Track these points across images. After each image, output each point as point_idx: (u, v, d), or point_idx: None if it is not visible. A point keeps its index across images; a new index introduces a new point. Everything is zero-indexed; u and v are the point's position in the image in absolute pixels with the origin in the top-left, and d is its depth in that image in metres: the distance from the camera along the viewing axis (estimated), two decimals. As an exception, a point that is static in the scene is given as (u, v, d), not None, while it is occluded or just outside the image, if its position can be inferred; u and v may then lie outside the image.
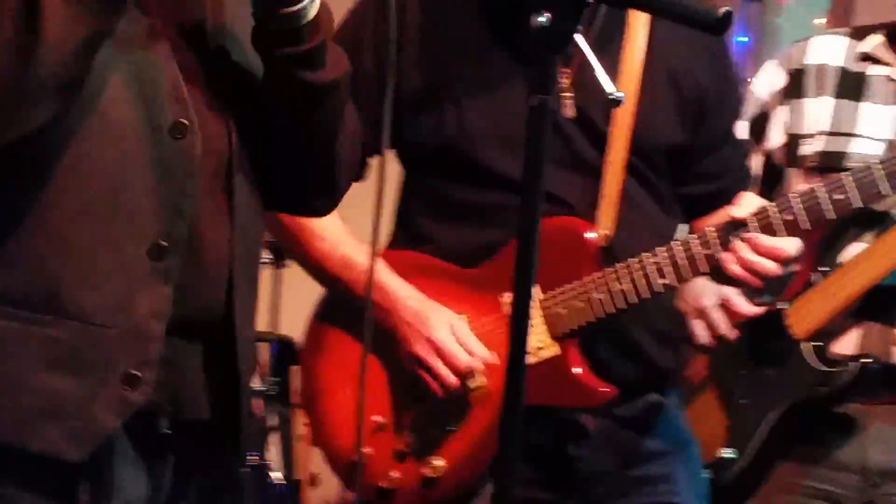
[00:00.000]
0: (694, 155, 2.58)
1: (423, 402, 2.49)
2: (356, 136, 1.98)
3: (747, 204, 2.40)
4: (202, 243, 1.76)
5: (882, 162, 2.31)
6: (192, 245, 1.75)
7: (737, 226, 2.38)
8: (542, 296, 2.43)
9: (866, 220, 2.79)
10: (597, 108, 2.47)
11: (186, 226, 1.74)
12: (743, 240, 2.35)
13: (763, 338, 2.83)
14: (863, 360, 2.75)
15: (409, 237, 2.58)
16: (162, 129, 1.72)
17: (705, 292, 2.53)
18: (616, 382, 2.45)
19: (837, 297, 2.77)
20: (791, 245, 2.36)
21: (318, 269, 2.55)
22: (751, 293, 2.50)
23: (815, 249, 2.72)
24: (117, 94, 1.70)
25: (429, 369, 2.45)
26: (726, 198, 2.57)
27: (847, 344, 2.80)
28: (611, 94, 2.35)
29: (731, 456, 2.84)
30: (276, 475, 4.40)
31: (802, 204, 2.34)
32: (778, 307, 2.82)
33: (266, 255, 4.37)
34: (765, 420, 2.83)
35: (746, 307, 2.53)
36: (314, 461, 4.59)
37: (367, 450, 2.47)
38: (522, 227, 1.76)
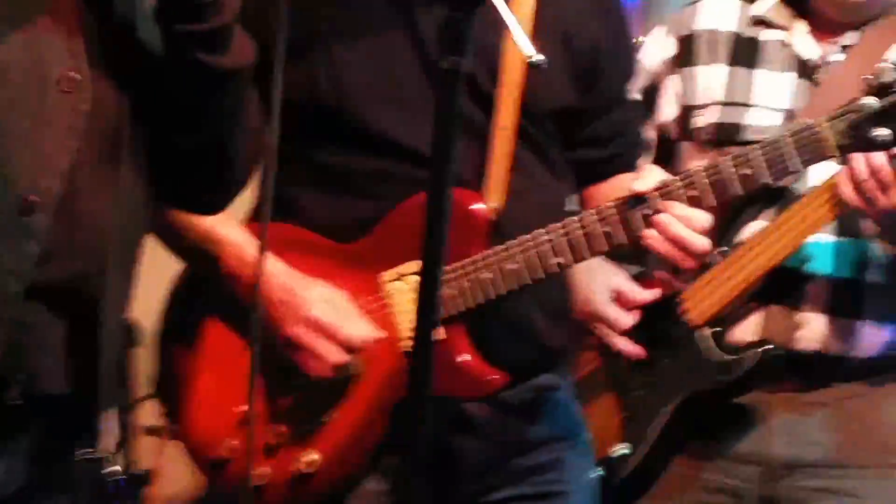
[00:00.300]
0: (585, 117, 2.46)
1: (296, 392, 2.32)
2: (256, 135, 1.89)
3: (649, 177, 2.27)
4: (79, 210, 1.72)
5: (792, 135, 2.16)
6: (67, 208, 1.70)
7: (637, 201, 2.23)
8: None
9: (766, 197, 2.67)
10: (483, 68, 2.31)
11: (60, 184, 1.69)
12: (651, 208, 2.22)
13: (657, 325, 2.68)
14: (764, 347, 2.62)
15: (275, 207, 2.35)
16: (49, 80, 1.68)
17: (595, 290, 2.44)
18: (505, 365, 2.32)
19: (737, 279, 2.65)
20: (705, 216, 2.23)
21: (177, 242, 2.37)
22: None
23: (713, 229, 2.55)
24: (9, 36, 1.66)
25: (309, 350, 2.27)
26: (619, 164, 2.49)
27: (747, 329, 2.69)
28: (530, 56, 2.18)
29: (625, 451, 2.72)
30: (114, 468, 4.13)
31: (707, 178, 2.21)
32: (672, 291, 2.68)
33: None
34: (660, 413, 2.71)
35: (640, 294, 2.44)
36: (157, 454, 4.40)
37: (232, 443, 2.32)
38: (432, 202, 1.66)
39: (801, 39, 2.75)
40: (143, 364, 4.86)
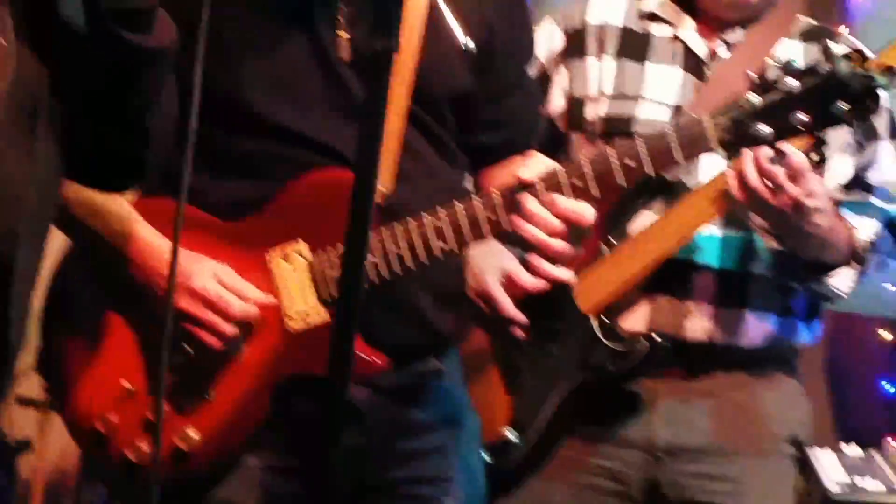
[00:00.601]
0: (479, 102, 2.42)
1: (177, 368, 2.27)
2: (172, 119, 1.86)
3: (535, 165, 2.26)
4: None
5: (676, 128, 2.19)
6: None
7: (524, 188, 2.21)
8: (310, 256, 2.25)
9: (656, 188, 2.71)
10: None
11: None
12: (539, 200, 2.19)
13: (547, 312, 2.69)
14: (652, 338, 2.67)
15: (165, 183, 2.29)
16: None
17: (486, 270, 2.39)
18: (391, 348, 2.29)
19: (627, 270, 2.70)
20: (588, 209, 2.20)
21: (64, 216, 2.25)
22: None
23: (603, 219, 2.58)
24: None
25: (197, 322, 2.24)
26: (513, 149, 2.46)
27: (636, 319, 2.73)
28: (464, 44, 2.18)
29: (513, 437, 2.73)
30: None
31: (592, 169, 2.19)
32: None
33: None
34: (549, 399, 2.73)
35: (529, 280, 2.38)
36: (29, 425, 4.31)
37: (111, 417, 2.28)
38: (358, 185, 1.64)
39: (689, 35, 2.80)
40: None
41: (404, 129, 2.30)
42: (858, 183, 2.80)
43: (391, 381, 2.36)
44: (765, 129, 2.09)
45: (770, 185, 2.46)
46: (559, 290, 2.68)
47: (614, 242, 2.71)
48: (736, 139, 2.13)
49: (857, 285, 2.77)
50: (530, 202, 2.17)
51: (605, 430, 2.76)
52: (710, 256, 2.72)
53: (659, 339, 2.67)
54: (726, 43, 2.79)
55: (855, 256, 2.70)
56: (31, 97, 1.70)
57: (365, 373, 2.26)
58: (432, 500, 2.41)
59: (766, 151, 2.45)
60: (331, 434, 1.68)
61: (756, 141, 2.11)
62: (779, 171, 2.45)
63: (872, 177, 2.80)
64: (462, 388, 2.54)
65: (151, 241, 2.26)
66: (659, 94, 2.75)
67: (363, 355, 2.24)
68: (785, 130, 2.08)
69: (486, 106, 2.43)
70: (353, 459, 2.28)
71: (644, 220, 2.70)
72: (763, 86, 2.10)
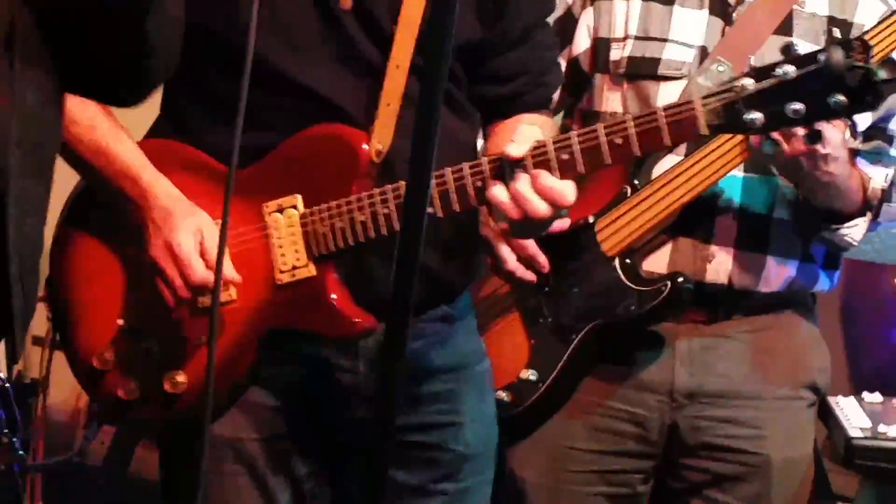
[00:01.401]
0: (488, 52, 2.37)
1: (171, 311, 2.28)
2: (178, 23, 1.77)
3: (525, 138, 2.19)
4: None
5: (666, 109, 2.13)
6: None
7: (511, 163, 2.14)
8: (303, 210, 2.23)
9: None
10: (383, 6, 2.25)
11: None
12: (523, 173, 2.13)
13: (570, 254, 2.69)
14: (677, 281, 2.65)
15: (175, 127, 2.35)
16: None
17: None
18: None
19: (651, 212, 2.68)
20: (570, 190, 2.13)
21: (71, 154, 2.28)
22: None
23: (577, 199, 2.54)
24: None
25: (163, 275, 2.24)
26: (521, 104, 2.42)
27: (659, 261, 2.72)
28: None
29: (533, 378, 2.73)
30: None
31: (580, 144, 2.12)
32: (588, 221, 2.70)
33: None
34: (569, 341, 2.72)
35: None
36: (44, 364, 4.31)
37: (107, 355, 2.31)
38: (417, 132, 1.58)
39: None
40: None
41: (409, 84, 2.24)
42: (876, 133, 2.78)
43: None
44: (757, 116, 2.01)
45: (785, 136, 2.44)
46: (583, 232, 2.69)
47: (638, 185, 2.69)
48: (725, 125, 2.07)
49: (870, 234, 2.76)
50: (518, 182, 2.11)
51: (624, 373, 2.76)
52: (732, 198, 2.71)
53: (681, 280, 2.65)
54: None
55: (868, 206, 2.69)
56: (4, 23, 1.60)
57: (349, 331, 2.26)
58: (439, 446, 2.41)
59: None
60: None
61: (745, 128, 2.04)
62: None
63: (893, 126, 2.78)
64: (473, 333, 2.52)
65: (150, 184, 2.25)
66: (685, 36, 2.71)
67: (348, 314, 2.24)
68: (777, 119, 2.01)
69: (493, 57, 2.38)
70: (362, 400, 2.33)
71: (667, 162, 2.68)
72: (760, 71, 2.03)
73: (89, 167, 2.28)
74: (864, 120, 2.75)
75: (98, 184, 2.30)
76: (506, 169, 2.13)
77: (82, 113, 2.26)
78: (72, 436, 4.86)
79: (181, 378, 2.28)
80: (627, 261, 2.70)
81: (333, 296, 2.23)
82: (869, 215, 2.71)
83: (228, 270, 2.23)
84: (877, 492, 2.90)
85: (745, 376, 2.75)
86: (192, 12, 2.12)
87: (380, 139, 2.23)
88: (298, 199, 2.23)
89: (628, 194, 2.69)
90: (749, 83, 2.02)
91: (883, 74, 1.98)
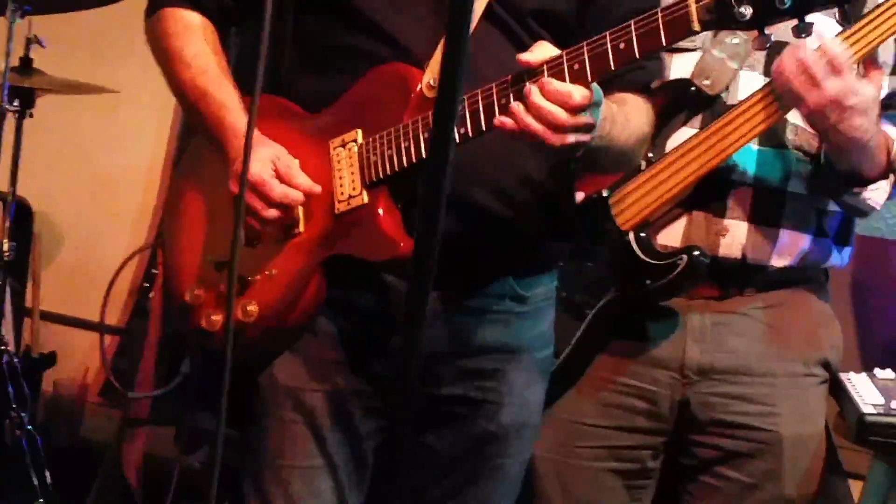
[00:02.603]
0: (583, 27, 2.36)
1: (249, 246, 2.39)
2: None
3: (541, 51, 2.19)
4: None
5: (663, 10, 2.11)
6: None
7: (530, 74, 2.17)
8: (361, 141, 2.31)
9: (694, 104, 2.69)
10: None
11: None
12: (533, 84, 2.15)
13: (584, 229, 2.67)
14: (692, 254, 2.63)
15: (275, 84, 2.48)
16: None
17: None
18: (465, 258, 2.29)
19: (665, 186, 2.68)
20: (578, 92, 2.15)
21: (180, 95, 2.49)
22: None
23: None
24: None
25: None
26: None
27: (672, 235, 2.71)
28: None
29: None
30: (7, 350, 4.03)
31: (588, 52, 2.14)
32: (602, 195, 2.67)
33: (13, 104, 3.98)
34: (583, 316, 2.71)
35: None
36: (53, 339, 4.34)
37: (198, 290, 2.46)
38: (440, 99, 1.59)
39: None
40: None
41: (480, 28, 2.29)
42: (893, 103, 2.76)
43: (467, 301, 2.40)
44: (747, 9, 2.02)
45: (805, 75, 2.43)
46: (598, 205, 2.67)
47: (653, 158, 2.67)
48: (715, 20, 2.06)
49: (881, 211, 2.74)
50: (533, 94, 2.13)
51: (636, 349, 2.75)
52: (746, 171, 2.69)
53: (697, 253, 2.63)
54: None
55: (893, 168, 2.66)
56: None
57: (394, 254, 2.28)
58: (473, 420, 2.44)
59: (804, 46, 2.42)
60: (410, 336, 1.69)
61: (735, 22, 2.04)
62: (819, 65, 2.41)
63: None
64: (544, 320, 2.52)
65: (233, 124, 2.37)
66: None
67: (391, 233, 2.28)
68: (766, 10, 2.01)
69: (580, 36, 2.29)
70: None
71: (682, 135, 2.67)
72: None
73: (193, 108, 2.43)
74: (883, 90, 2.73)
75: (197, 124, 2.46)
76: (525, 80, 2.16)
77: (196, 59, 2.42)
78: (81, 412, 4.87)
79: (252, 307, 2.38)
80: (642, 234, 2.69)
81: (381, 220, 2.29)
82: (892, 177, 2.68)
83: (306, 181, 2.32)
84: (889, 468, 2.88)
85: (756, 353, 2.74)
86: None
87: (434, 73, 2.27)
88: (359, 133, 2.32)
89: (643, 167, 2.67)
90: None
91: None
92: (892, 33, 2.54)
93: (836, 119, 2.48)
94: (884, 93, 2.73)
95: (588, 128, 2.17)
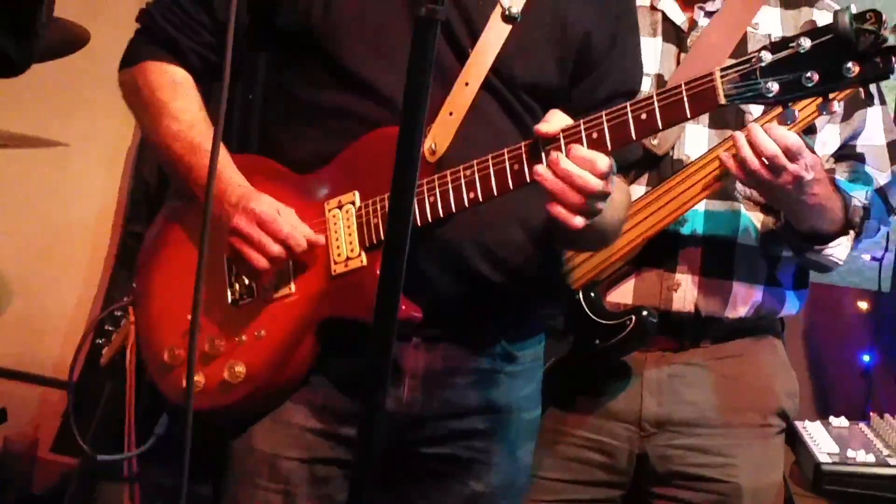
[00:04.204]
0: (569, 104, 2.37)
1: (233, 305, 2.40)
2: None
3: (556, 121, 2.22)
4: None
5: (687, 84, 2.14)
6: None
7: (546, 142, 2.20)
8: (359, 203, 2.31)
9: (643, 163, 2.70)
10: (463, 21, 2.33)
11: None
12: (557, 150, 2.17)
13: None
14: (641, 314, 2.66)
15: (263, 147, 2.49)
16: None
17: None
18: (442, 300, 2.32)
19: (615, 245, 2.67)
20: (604, 161, 2.17)
21: (164, 148, 2.43)
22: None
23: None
24: None
25: (248, 239, 2.30)
26: None
27: (624, 292, 2.73)
28: (507, 8, 2.14)
29: None
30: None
31: (608, 122, 2.16)
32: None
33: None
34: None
35: None
36: (2, 395, 4.30)
37: (177, 350, 2.43)
38: (400, 151, 1.69)
39: (668, 5, 2.78)
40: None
41: (477, 98, 2.31)
42: (848, 152, 2.80)
43: (461, 362, 2.40)
44: (773, 85, 2.05)
45: (770, 165, 2.46)
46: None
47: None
48: (742, 94, 2.09)
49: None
50: (553, 153, 2.16)
51: (592, 402, 2.76)
52: (695, 228, 2.72)
53: (646, 313, 2.65)
54: (705, 11, 2.77)
55: (850, 224, 2.70)
56: None
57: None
58: (461, 480, 2.43)
59: (758, 132, 2.45)
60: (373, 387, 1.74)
61: (762, 97, 2.07)
62: (777, 151, 2.45)
63: (860, 144, 2.80)
64: (533, 381, 2.52)
65: (229, 177, 2.35)
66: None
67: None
68: (792, 88, 2.04)
69: (578, 110, 2.31)
70: (410, 423, 2.38)
71: (633, 193, 2.68)
72: (777, 44, 2.07)
73: (180, 161, 2.38)
74: (833, 139, 2.79)
75: (183, 179, 2.40)
76: (541, 148, 2.17)
77: (184, 113, 2.40)
78: (32, 467, 4.81)
79: (239, 368, 2.36)
80: (591, 294, 2.70)
81: None
82: (852, 233, 2.72)
83: (307, 229, 2.31)
84: (845, 517, 2.90)
85: (713, 404, 2.76)
86: (284, 21, 2.37)
87: (434, 139, 2.29)
88: (356, 195, 2.32)
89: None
90: (766, 55, 2.05)
91: (893, 40, 2.00)
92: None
93: (798, 194, 2.52)
94: (837, 143, 2.77)
95: (605, 196, 2.18)
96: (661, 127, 2.13)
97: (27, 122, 4.31)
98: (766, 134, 2.46)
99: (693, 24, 2.77)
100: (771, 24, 2.77)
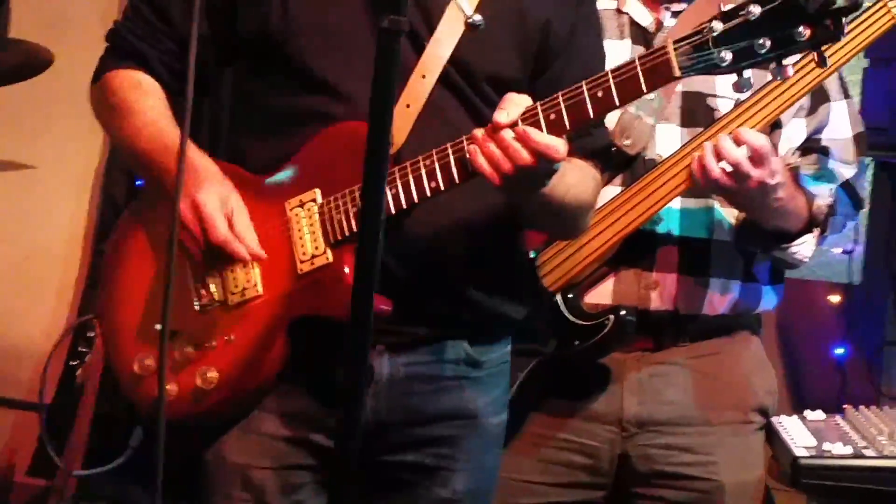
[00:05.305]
0: (536, 95, 2.32)
1: (202, 312, 2.39)
2: None
3: (514, 105, 2.19)
4: None
5: (641, 58, 2.14)
6: None
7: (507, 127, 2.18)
8: (321, 201, 2.31)
9: (618, 163, 2.71)
10: (421, 16, 2.32)
11: None
12: (516, 135, 2.15)
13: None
14: (618, 312, 2.68)
15: (230, 157, 2.46)
16: None
17: None
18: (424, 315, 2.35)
19: (591, 245, 2.71)
20: (562, 145, 2.15)
21: (129, 144, 2.42)
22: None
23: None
24: None
25: (188, 231, 2.31)
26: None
27: (601, 293, 2.74)
28: (469, 17, 2.15)
29: None
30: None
31: (564, 102, 2.15)
32: (529, 256, 2.69)
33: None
34: (515, 378, 2.71)
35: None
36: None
37: (147, 360, 2.41)
38: (369, 159, 1.73)
39: (634, 7, 2.80)
40: None
41: (435, 93, 2.31)
42: (813, 145, 2.83)
43: (422, 366, 2.40)
44: (726, 55, 2.05)
45: (734, 173, 2.49)
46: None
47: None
48: (696, 65, 2.09)
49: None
50: (506, 134, 2.14)
51: (572, 404, 2.77)
52: (671, 227, 2.74)
53: (623, 313, 2.67)
54: (672, 12, 2.79)
55: (815, 221, 2.73)
56: None
57: None
58: (426, 486, 2.42)
59: (725, 142, 2.49)
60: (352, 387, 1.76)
61: (716, 67, 2.07)
62: (741, 159, 2.48)
63: (826, 137, 2.83)
64: (498, 387, 2.50)
65: (193, 157, 2.31)
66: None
67: None
68: (745, 56, 2.04)
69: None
70: (373, 432, 2.33)
71: (606, 194, 2.69)
72: (727, 13, 2.06)
73: (144, 153, 2.37)
74: (798, 133, 2.81)
75: (150, 172, 2.39)
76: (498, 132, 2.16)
77: (152, 110, 2.39)
78: (7, 492, 4.79)
79: (212, 374, 2.35)
80: (570, 295, 2.72)
81: (348, 278, 2.27)
82: (816, 231, 2.75)
83: (250, 235, 2.31)
84: (823, 510, 2.92)
85: (693, 403, 2.77)
86: (243, 26, 2.37)
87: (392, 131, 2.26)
88: (317, 193, 2.31)
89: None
90: (717, 25, 2.06)
91: (842, 1, 2.01)
92: (795, 101, 2.65)
93: (762, 198, 2.56)
94: (802, 137, 2.80)
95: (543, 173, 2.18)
96: (617, 103, 2.13)
97: (-7, 146, 4.30)
98: (737, 138, 2.49)
99: (660, 24, 2.79)
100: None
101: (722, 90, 2.73)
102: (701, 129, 2.70)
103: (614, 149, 2.69)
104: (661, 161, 2.69)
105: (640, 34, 2.78)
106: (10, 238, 4.94)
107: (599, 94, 2.14)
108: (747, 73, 2.06)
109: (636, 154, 2.73)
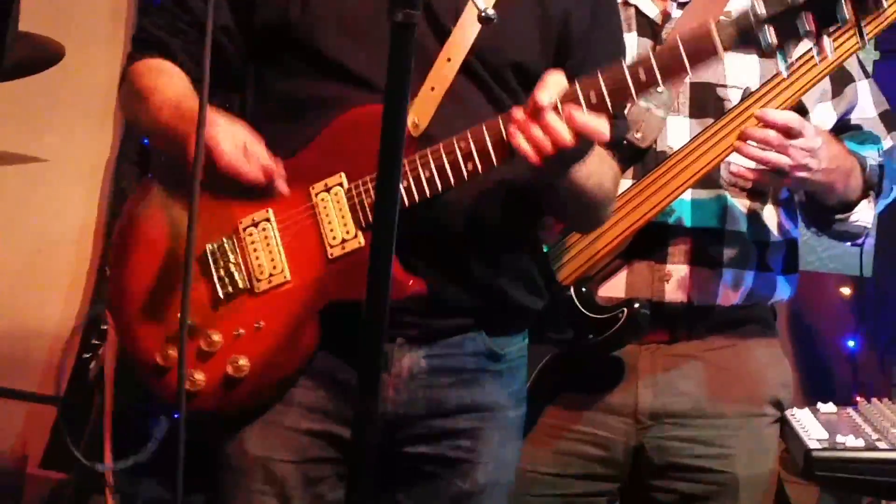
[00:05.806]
0: None
1: (228, 299, 2.37)
2: None
3: (553, 86, 2.18)
4: None
5: (682, 38, 2.13)
6: None
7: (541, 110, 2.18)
8: (347, 185, 2.31)
9: (629, 155, 2.71)
10: (444, 4, 2.34)
11: None
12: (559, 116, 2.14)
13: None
14: (633, 307, 2.68)
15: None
16: None
17: None
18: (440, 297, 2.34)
19: (603, 240, 2.71)
20: (605, 125, 2.15)
21: (152, 120, 2.37)
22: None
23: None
24: None
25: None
26: None
27: (616, 285, 2.74)
28: (483, 11, 2.16)
29: None
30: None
31: (605, 84, 2.15)
32: (543, 250, 2.69)
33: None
34: (530, 371, 2.70)
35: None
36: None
37: (170, 350, 2.38)
38: (383, 153, 1.73)
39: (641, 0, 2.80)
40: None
41: (456, 77, 2.32)
42: (844, 125, 2.84)
43: (443, 359, 2.41)
44: (770, 34, 2.08)
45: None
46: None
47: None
48: (741, 44, 2.11)
49: (812, 244, 2.80)
50: (549, 115, 2.14)
51: (588, 397, 2.77)
52: (683, 218, 2.74)
53: (637, 305, 2.67)
54: (678, 3, 2.79)
55: (869, 184, 2.74)
56: None
57: (402, 295, 2.27)
58: (447, 479, 2.43)
59: (764, 111, 2.54)
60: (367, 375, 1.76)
61: (759, 45, 2.10)
62: (791, 121, 2.53)
63: (856, 118, 2.85)
64: (517, 380, 2.52)
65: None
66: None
67: (398, 277, 2.26)
68: (788, 33, 2.07)
69: None
70: (393, 423, 2.39)
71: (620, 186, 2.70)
72: None
73: (168, 125, 2.32)
74: (828, 117, 2.83)
75: (169, 137, 2.32)
76: (539, 112, 2.16)
77: (175, 88, 2.36)
78: (21, 484, 4.80)
79: (243, 362, 2.34)
80: (583, 289, 2.72)
81: None
82: (871, 194, 2.76)
83: (266, 160, 2.26)
84: (836, 502, 2.92)
85: (708, 395, 2.78)
86: (262, 18, 2.37)
87: (417, 114, 2.30)
88: (343, 177, 2.31)
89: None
90: (760, 6, 2.09)
91: None
92: (813, 85, 2.66)
93: (816, 163, 2.58)
94: (833, 120, 2.80)
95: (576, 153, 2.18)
96: (661, 83, 2.14)
97: (3, 139, 4.30)
98: (763, 118, 2.54)
99: (667, 16, 2.78)
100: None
101: (732, 80, 2.74)
102: (711, 120, 2.70)
103: (625, 142, 2.70)
104: (672, 153, 2.69)
105: (647, 26, 2.79)
106: (21, 232, 4.95)
107: (642, 74, 2.14)
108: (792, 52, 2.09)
109: (647, 147, 2.73)
